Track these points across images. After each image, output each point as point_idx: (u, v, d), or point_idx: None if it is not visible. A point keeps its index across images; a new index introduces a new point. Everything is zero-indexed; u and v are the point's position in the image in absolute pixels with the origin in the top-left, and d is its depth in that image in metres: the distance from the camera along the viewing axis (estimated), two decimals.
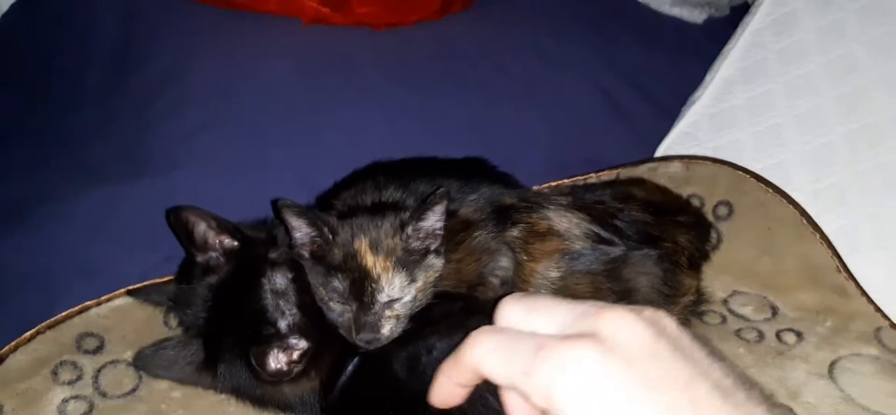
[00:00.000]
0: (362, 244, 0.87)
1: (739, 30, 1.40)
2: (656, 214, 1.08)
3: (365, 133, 1.31)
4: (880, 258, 1.12)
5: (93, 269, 1.10)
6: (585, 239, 1.01)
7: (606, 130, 1.47)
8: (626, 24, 1.69)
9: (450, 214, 0.92)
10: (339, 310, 0.87)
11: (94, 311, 1.01)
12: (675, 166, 1.29)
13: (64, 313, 1.00)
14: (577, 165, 1.34)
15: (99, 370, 0.94)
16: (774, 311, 1.10)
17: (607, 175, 1.30)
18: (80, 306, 1.01)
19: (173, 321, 1.00)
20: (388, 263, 0.87)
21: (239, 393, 0.89)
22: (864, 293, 1.08)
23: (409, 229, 0.88)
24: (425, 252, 0.90)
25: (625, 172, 1.30)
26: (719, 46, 1.45)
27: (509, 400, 0.49)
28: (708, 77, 1.41)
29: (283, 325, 0.85)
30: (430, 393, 0.53)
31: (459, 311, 0.87)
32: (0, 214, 1.18)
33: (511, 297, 0.50)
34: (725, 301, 1.12)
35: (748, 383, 0.46)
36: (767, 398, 0.46)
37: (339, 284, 0.86)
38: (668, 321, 0.47)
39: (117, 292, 1.03)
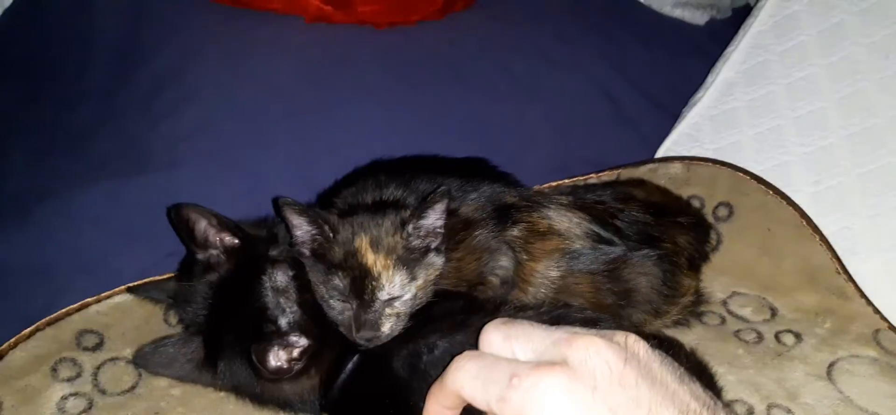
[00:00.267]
0: (363, 242, 0.87)
1: (741, 32, 1.40)
2: (656, 215, 1.09)
3: (366, 131, 1.31)
4: (880, 260, 1.12)
5: (93, 265, 1.10)
6: (585, 239, 1.01)
7: (608, 130, 1.47)
8: (628, 25, 1.69)
9: (450, 213, 0.93)
10: (339, 308, 0.87)
11: (94, 308, 1.01)
12: (676, 167, 1.29)
13: (64, 310, 1.00)
14: (578, 165, 1.34)
15: (98, 367, 0.94)
16: (773, 312, 1.10)
17: (608, 175, 1.30)
18: (80, 303, 1.01)
19: (173, 319, 1.00)
20: (388, 262, 0.87)
21: (239, 391, 0.89)
22: (863, 295, 1.09)
23: (410, 228, 0.88)
24: (426, 250, 0.90)
25: (625, 173, 1.30)
26: (721, 48, 1.45)
27: None
28: (709, 78, 1.41)
29: (283, 322, 0.85)
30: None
31: (460, 310, 0.87)
32: (2, 210, 1.18)
33: (493, 323, 0.54)
34: (725, 302, 1.12)
35: (717, 407, 0.48)
36: None
37: (339, 282, 0.86)
38: (639, 346, 0.50)
39: (117, 289, 1.03)
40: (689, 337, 1.02)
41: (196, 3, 1.44)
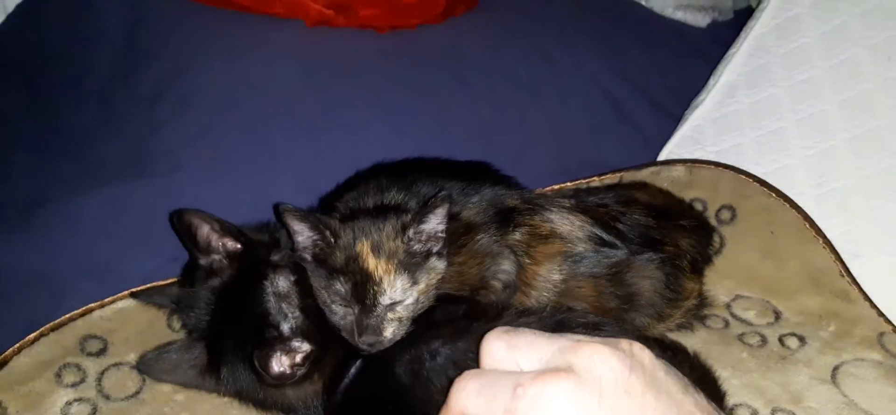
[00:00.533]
0: (364, 247, 0.87)
1: (743, 34, 1.40)
2: (659, 218, 1.08)
3: (368, 135, 1.31)
4: (883, 263, 1.12)
5: (96, 270, 1.10)
6: (588, 242, 1.01)
7: (610, 133, 1.47)
8: (630, 28, 1.69)
9: (452, 217, 0.93)
10: (341, 313, 0.87)
11: (97, 313, 1.01)
12: (678, 170, 1.29)
13: (67, 315, 1.00)
14: (580, 168, 1.34)
15: (102, 373, 0.94)
16: (777, 315, 1.09)
17: (610, 178, 1.30)
18: (83, 309, 1.01)
19: (177, 324, 1.00)
20: (389, 266, 0.87)
21: (242, 396, 0.89)
22: (867, 298, 1.08)
23: (411, 232, 0.88)
24: (427, 255, 0.90)
25: (628, 176, 1.30)
26: (723, 50, 1.45)
27: None
28: (711, 81, 1.41)
29: (285, 328, 0.85)
30: None
31: (462, 315, 0.87)
32: (4, 215, 1.19)
33: (495, 331, 0.53)
34: (728, 305, 1.12)
35: None
36: None
37: (341, 287, 0.86)
38: (645, 354, 0.49)
39: (121, 295, 1.03)
40: (692, 341, 1.02)
41: (197, 7, 1.44)
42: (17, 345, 0.95)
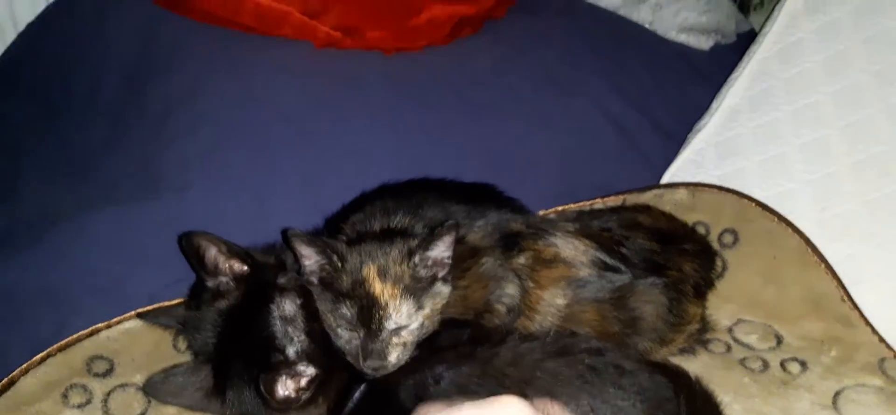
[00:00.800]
0: (370, 271, 0.88)
1: (746, 58, 1.41)
2: (662, 243, 1.09)
3: (374, 156, 1.32)
4: (885, 289, 1.13)
5: (104, 289, 1.11)
6: (591, 266, 1.02)
7: (613, 155, 1.48)
8: (633, 50, 1.70)
9: (457, 241, 0.93)
10: (346, 337, 0.88)
11: (104, 334, 1.02)
12: (681, 193, 1.30)
13: (74, 336, 1.01)
14: (584, 190, 1.35)
15: (108, 394, 0.95)
16: (779, 340, 1.10)
17: (613, 201, 1.31)
18: (90, 329, 1.02)
19: (183, 345, 1.01)
20: (395, 291, 0.88)
21: None
22: (868, 324, 1.09)
23: (417, 258, 0.89)
24: (433, 280, 0.90)
25: (631, 198, 1.31)
26: (726, 73, 1.46)
27: None
28: (714, 104, 1.42)
29: (291, 351, 0.86)
30: None
31: (466, 340, 0.88)
32: (13, 233, 1.20)
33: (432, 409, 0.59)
34: (730, 330, 1.12)
35: None
36: None
37: (347, 310, 0.87)
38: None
39: (127, 315, 1.04)
40: (694, 365, 1.02)
41: (207, 27, 1.46)
42: (25, 365, 0.96)
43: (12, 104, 1.48)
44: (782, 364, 1.05)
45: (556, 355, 0.84)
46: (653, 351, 1.03)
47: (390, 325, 0.86)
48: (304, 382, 0.84)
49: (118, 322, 1.03)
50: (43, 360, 0.97)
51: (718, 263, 1.19)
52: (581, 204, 1.30)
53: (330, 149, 1.31)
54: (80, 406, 0.93)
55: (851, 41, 1.29)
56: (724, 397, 0.95)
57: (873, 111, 1.24)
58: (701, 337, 1.09)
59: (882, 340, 1.07)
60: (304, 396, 0.84)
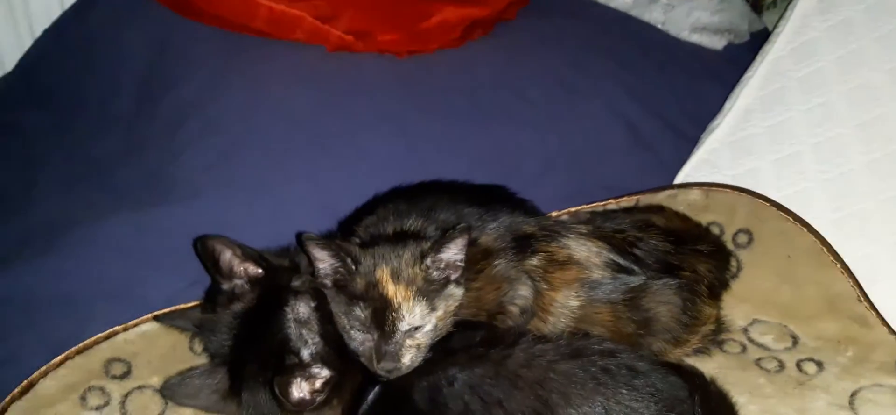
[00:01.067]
0: (384, 273, 0.89)
1: (759, 58, 1.41)
2: (676, 243, 1.09)
3: (386, 159, 1.33)
4: None
5: (120, 293, 1.12)
6: (605, 268, 1.02)
7: (626, 156, 1.48)
8: (646, 51, 1.70)
9: (470, 243, 0.93)
10: (360, 339, 0.88)
11: (121, 336, 1.03)
12: (695, 194, 1.30)
13: (92, 339, 1.02)
14: (597, 191, 1.35)
15: (126, 396, 0.96)
16: (795, 340, 1.09)
17: (627, 202, 1.30)
18: (107, 332, 1.03)
19: (199, 347, 1.02)
20: (408, 293, 0.88)
21: None
22: (885, 323, 1.08)
23: (429, 260, 0.89)
24: (445, 282, 0.91)
25: (644, 199, 1.30)
26: (739, 72, 1.46)
27: None
28: (727, 104, 1.41)
29: (306, 354, 0.87)
30: None
31: (479, 342, 0.88)
32: (30, 239, 1.21)
33: None
34: (745, 330, 1.12)
35: None
36: None
37: (361, 312, 0.88)
38: None
39: (144, 318, 1.05)
40: (709, 366, 1.02)
41: (219, 33, 1.47)
42: (44, 368, 0.97)
43: (28, 112, 1.49)
44: (798, 364, 1.05)
45: (570, 356, 0.85)
46: (667, 352, 1.03)
47: (403, 326, 0.87)
48: (318, 384, 0.84)
49: (135, 325, 1.04)
50: (61, 363, 0.98)
51: (733, 263, 1.19)
52: (594, 205, 1.30)
53: (342, 152, 1.32)
54: (98, 408, 0.94)
55: (865, 40, 1.28)
56: (739, 398, 0.95)
57: (887, 110, 1.23)
58: (716, 338, 1.08)
59: None
60: (319, 398, 0.85)
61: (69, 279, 1.13)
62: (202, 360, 0.99)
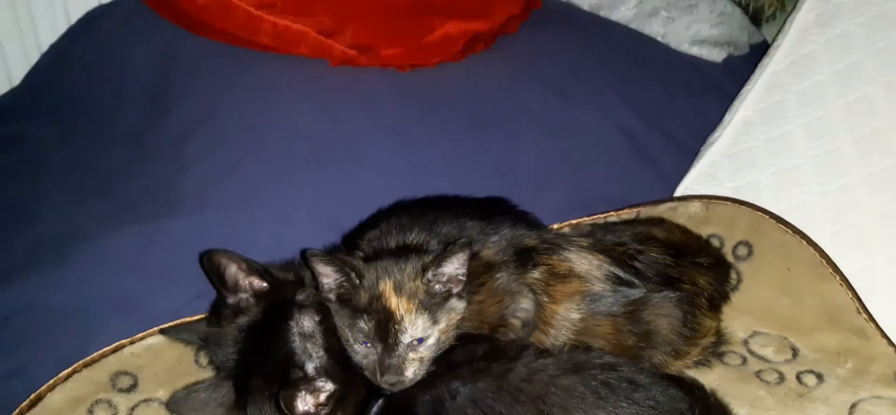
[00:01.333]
0: (387, 286, 0.90)
1: (758, 71, 1.42)
2: (676, 256, 1.10)
3: (390, 172, 1.34)
4: None
5: (127, 306, 1.13)
6: (606, 281, 1.03)
7: (626, 168, 1.49)
8: (646, 64, 1.71)
9: (472, 256, 0.95)
10: (364, 352, 0.89)
11: (128, 350, 1.04)
12: (695, 206, 1.31)
13: (99, 352, 1.03)
14: (597, 204, 1.36)
15: (133, 409, 0.97)
16: (795, 352, 1.10)
17: (627, 214, 1.31)
18: (115, 345, 1.04)
19: (204, 360, 1.03)
20: (411, 305, 0.89)
21: None
22: (884, 335, 1.09)
23: (430, 274, 0.90)
24: (447, 295, 0.92)
25: (645, 211, 1.31)
26: (739, 85, 1.47)
27: None
28: (727, 117, 1.42)
29: (310, 367, 0.88)
30: None
31: (481, 355, 0.89)
32: (38, 251, 1.22)
33: None
34: (746, 342, 1.13)
35: None
36: None
37: (364, 324, 0.89)
38: None
39: (151, 331, 1.06)
40: (710, 378, 1.03)
41: (225, 47, 1.49)
42: (52, 381, 0.98)
43: (36, 125, 1.51)
44: (798, 377, 1.05)
45: (571, 371, 0.86)
46: (668, 364, 1.04)
47: (406, 338, 0.88)
48: (323, 397, 0.85)
49: (141, 338, 1.06)
50: (69, 376, 0.99)
51: (733, 275, 1.20)
52: (595, 217, 1.31)
53: (346, 166, 1.34)
54: None
55: (863, 53, 1.30)
56: (739, 410, 0.96)
57: (886, 123, 1.24)
58: (716, 350, 1.09)
59: None
60: (323, 411, 0.85)
61: (77, 292, 1.14)
62: (208, 373, 1.00)
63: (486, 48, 1.63)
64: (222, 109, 1.39)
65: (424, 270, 0.91)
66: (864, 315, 1.11)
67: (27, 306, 1.12)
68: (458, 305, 0.93)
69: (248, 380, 0.89)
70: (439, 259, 0.90)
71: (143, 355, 1.04)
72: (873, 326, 1.10)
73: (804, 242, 1.19)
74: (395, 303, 0.89)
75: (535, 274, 1.02)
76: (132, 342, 1.05)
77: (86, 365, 1.01)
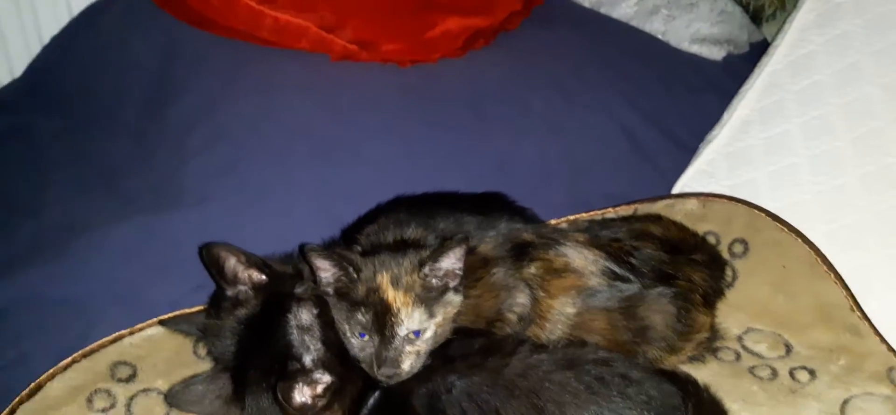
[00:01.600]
0: (383, 280, 0.91)
1: (757, 70, 1.43)
2: (672, 252, 1.10)
3: (389, 167, 1.35)
4: (895, 299, 1.13)
5: (127, 297, 1.14)
6: (601, 276, 1.04)
7: (625, 166, 1.50)
8: (646, 61, 1.72)
9: (469, 251, 0.95)
10: (360, 344, 0.90)
11: (127, 340, 1.05)
12: (692, 204, 1.31)
13: (98, 343, 1.04)
14: (596, 200, 1.37)
15: (131, 398, 0.98)
16: (788, 349, 1.11)
17: (625, 210, 1.32)
18: (114, 336, 1.05)
19: (203, 351, 1.04)
20: (407, 298, 0.90)
21: None
22: (877, 333, 1.09)
23: (427, 268, 0.91)
24: (444, 290, 0.93)
25: (642, 208, 1.32)
26: (738, 83, 1.47)
27: None
28: (725, 116, 1.43)
29: (308, 360, 0.88)
30: None
31: (478, 350, 0.90)
32: (39, 243, 1.23)
33: None
34: (740, 338, 1.13)
35: None
36: None
37: (362, 316, 0.90)
38: None
39: (150, 322, 1.07)
40: (703, 373, 1.03)
41: (226, 42, 1.49)
42: (51, 371, 0.99)
43: (37, 117, 1.52)
44: (791, 373, 1.06)
45: (565, 366, 0.87)
46: (662, 359, 1.04)
47: (402, 331, 0.89)
48: (320, 389, 0.86)
49: (140, 329, 1.06)
50: (68, 366, 1.00)
51: (728, 272, 1.20)
52: (593, 214, 1.32)
53: (346, 161, 1.34)
54: (104, 411, 0.96)
55: (861, 54, 1.30)
56: (732, 405, 0.97)
57: (883, 123, 1.24)
58: (710, 345, 1.10)
59: (891, 349, 1.07)
60: (321, 402, 0.86)
61: (78, 284, 1.16)
62: (206, 364, 1.01)
63: (487, 44, 1.63)
64: (223, 103, 1.40)
65: (421, 264, 0.92)
66: (857, 313, 1.12)
67: (28, 297, 1.13)
68: (454, 299, 0.94)
69: (246, 372, 0.90)
70: (436, 254, 0.91)
71: (142, 345, 1.05)
72: (867, 323, 1.11)
73: (799, 240, 1.20)
74: (392, 296, 0.90)
75: (532, 269, 1.03)
76: (131, 333, 1.06)
77: (85, 355, 1.02)
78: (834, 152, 1.26)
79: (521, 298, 1.02)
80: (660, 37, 1.82)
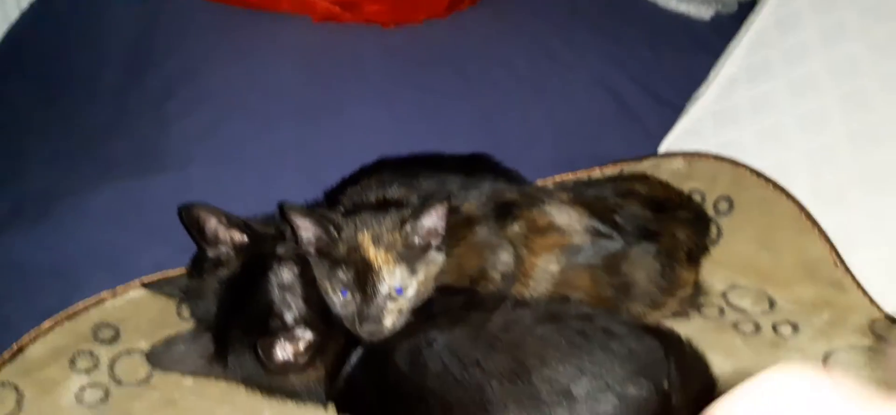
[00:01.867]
0: (365, 238, 0.90)
1: (744, 28, 1.41)
2: (657, 210, 1.10)
3: (373, 130, 1.34)
4: (879, 256, 1.13)
5: (109, 261, 1.14)
6: (585, 233, 1.04)
7: (612, 126, 1.49)
8: (633, 21, 1.70)
9: (452, 210, 0.95)
10: (342, 302, 0.90)
11: (109, 302, 1.05)
12: (678, 162, 1.31)
13: (81, 304, 1.04)
14: (582, 161, 1.36)
15: (114, 359, 0.98)
16: (772, 304, 1.11)
17: (611, 170, 1.32)
18: (96, 298, 1.05)
19: (185, 312, 1.04)
20: (389, 256, 0.90)
21: (249, 382, 0.93)
22: (860, 287, 1.10)
23: (408, 227, 0.91)
24: (426, 248, 0.93)
25: (628, 168, 1.32)
26: (726, 43, 1.46)
27: None
28: (712, 74, 1.42)
29: (289, 317, 0.88)
30: None
31: (459, 306, 0.90)
32: (21, 209, 1.22)
33: None
34: (724, 294, 1.14)
35: None
36: None
37: (343, 275, 0.89)
38: None
39: (132, 284, 1.07)
40: (687, 328, 1.03)
41: (207, 5, 1.47)
42: (33, 332, 0.99)
43: (16, 83, 1.50)
44: (774, 327, 1.07)
45: (547, 320, 0.87)
46: (646, 315, 1.05)
47: (384, 289, 0.89)
48: (301, 346, 0.86)
49: (123, 291, 1.06)
50: (51, 328, 1.00)
51: (713, 229, 1.20)
52: (579, 174, 1.31)
53: (329, 123, 1.33)
54: (87, 371, 0.96)
55: (847, 11, 1.29)
56: (715, 359, 0.97)
57: (868, 81, 1.24)
58: (695, 301, 1.10)
59: (873, 302, 1.08)
60: (302, 360, 0.87)
61: (59, 248, 1.14)
62: (189, 325, 1.01)
63: (473, 5, 1.62)
64: (205, 67, 1.38)
65: (403, 222, 0.91)
66: (841, 268, 1.13)
67: (10, 263, 1.12)
68: (437, 257, 0.94)
69: (229, 331, 0.90)
70: (417, 212, 0.91)
71: (124, 307, 1.05)
72: (850, 278, 1.11)
73: (784, 197, 1.20)
74: (373, 254, 0.90)
75: (515, 228, 1.02)
76: (114, 295, 1.06)
77: (68, 317, 1.02)
78: (820, 110, 1.26)
79: (505, 257, 1.01)
80: None
